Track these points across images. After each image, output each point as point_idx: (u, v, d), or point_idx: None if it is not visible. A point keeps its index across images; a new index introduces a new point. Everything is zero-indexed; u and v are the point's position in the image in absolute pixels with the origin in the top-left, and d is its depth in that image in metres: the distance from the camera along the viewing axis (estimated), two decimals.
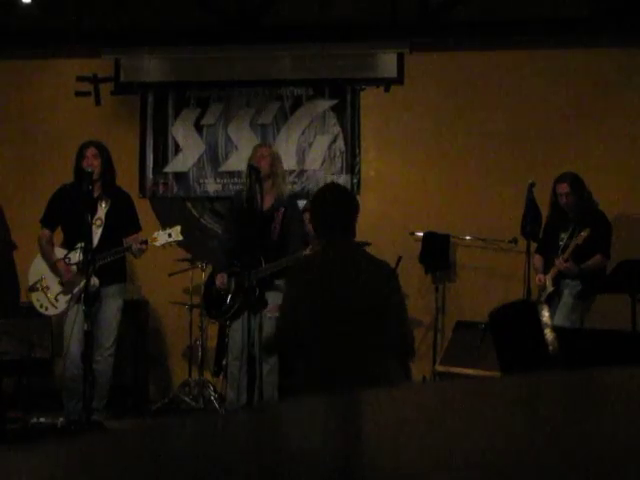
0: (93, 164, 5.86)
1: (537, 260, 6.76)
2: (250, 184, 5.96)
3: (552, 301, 6.50)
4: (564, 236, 6.59)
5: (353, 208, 4.27)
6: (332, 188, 4.55)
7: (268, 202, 6.04)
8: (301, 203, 8.10)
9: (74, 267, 5.87)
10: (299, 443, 0.94)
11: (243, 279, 5.89)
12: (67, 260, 5.91)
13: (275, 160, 6.20)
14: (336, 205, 4.21)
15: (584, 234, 6.30)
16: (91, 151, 5.95)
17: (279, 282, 5.76)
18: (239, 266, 5.97)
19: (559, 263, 6.45)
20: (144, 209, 7.55)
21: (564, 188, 6.54)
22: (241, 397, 5.98)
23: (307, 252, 5.69)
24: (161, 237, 5.78)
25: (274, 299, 5.60)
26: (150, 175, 8.22)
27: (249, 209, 5.87)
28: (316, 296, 4.01)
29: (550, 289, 6.53)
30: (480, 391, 1.29)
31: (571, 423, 1.02)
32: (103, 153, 6.00)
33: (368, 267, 4.13)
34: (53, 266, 5.97)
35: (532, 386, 1.31)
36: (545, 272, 6.64)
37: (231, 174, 8.11)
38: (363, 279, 4.04)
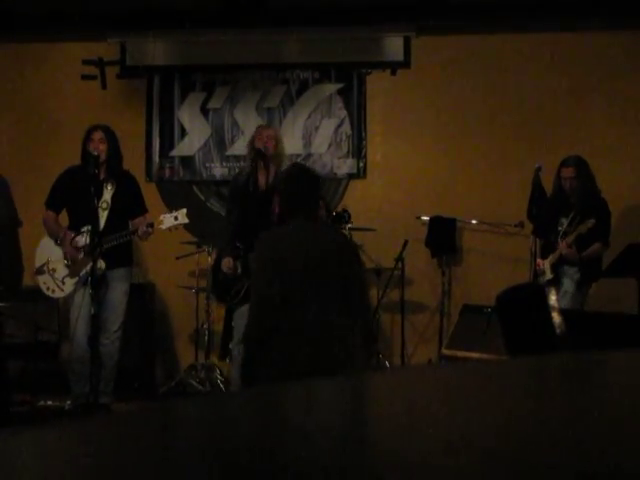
0: (99, 148, 5.86)
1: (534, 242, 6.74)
2: (255, 166, 5.97)
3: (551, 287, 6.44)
4: (564, 221, 6.54)
5: (317, 188, 4.49)
6: (301, 169, 4.72)
7: (267, 183, 6.04)
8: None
9: (81, 250, 5.87)
10: (304, 425, 0.94)
11: (249, 261, 5.89)
12: (74, 243, 5.91)
13: (280, 141, 6.26)
14: (305, 186, 4.36)
15: (589, 225, 6.26)
16: (98, 135, 5.94)
17: None
18: (243, 249, 5.97)
19: (562, 247, 6.41)
20: (150, 193, 7.56)
21: (570, 172, 6.48)
22: None
23: None
24: (167, 220, 5.77)
25: None
26: (156, 159, 8.22)
27: (252, 191, 5.88)
28: (288, 272, 4.10)
29: (549, 276, 6.49)
30: (487, 374, 1.28)
31: (578, 405, 1.01)
32: (110, 137, 5.98)
33: (333, 242, 4.33)
34: (62, 239, 5.94)
35: (539, 369, 1.31)
36: (543, 256, 6.61)
37: (237, 158, 8.09)
38: (329, 253, 4.20)
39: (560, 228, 6.54)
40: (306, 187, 4.37)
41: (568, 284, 6.45)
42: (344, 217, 6.17)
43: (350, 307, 4.14)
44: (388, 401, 1.09)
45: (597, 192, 6.57)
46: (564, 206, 6.55)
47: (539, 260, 6.56)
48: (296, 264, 4.11)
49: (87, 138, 5.95)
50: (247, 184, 6.03)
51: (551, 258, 6.49)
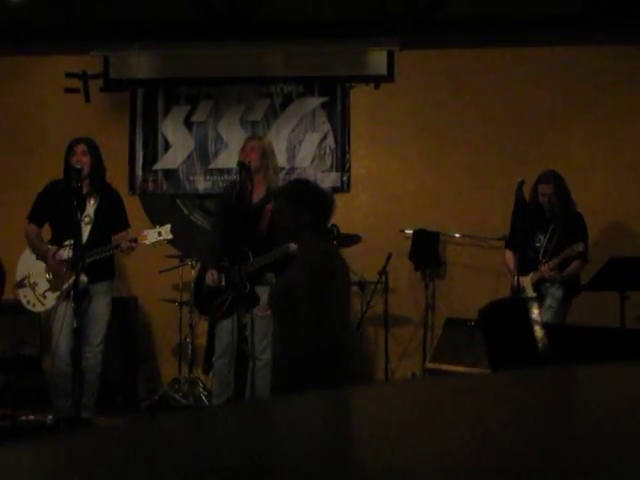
0: (82, 161, 5.84)
1: (509, 257, 6.70)
2: (240, 179, 5.94)
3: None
4: (541, 237, 6.53)
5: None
6: (316, 187, 4.75)
7: (258, 195, 5.98)
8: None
9: (64, 264, 5.85)
10: (288, 440, 0.94)
11: (233, 274, 5.86)
12: (57, 257, 5.88)
13: (266, 153, 6.06)
14: (323, 204, 4.53)
15: (579, 248, 6.26)
16: (80, 148, 5.92)
17: (270, 275, 5.74)
18: (228, 261, 5.94)
19: (544, 271, 6.39)
20: (134, 206, 7.54)
21: (549, 189, 6.46)
22: (228, 390, 5.95)
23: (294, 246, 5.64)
24: (151, 236, 5.75)
25: (265, 295, 5.58)
26: (140, 172, 8.20)
27: (238, 204, 5.83)
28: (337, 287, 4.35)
29: (532, 294, 6.43)
30: (470, 388, 1.29)
31: (561, 420, 1.02)
32: (93, 150, 5.97)
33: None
34: (44, 254, 5.92)
35: (522, 383, 1.32)
36: (521, 272, 6.55)
37: (221, 171, 8.10)
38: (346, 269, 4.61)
39: (538, 244, 6.53)
40: (326, 205, 4.53)
41: (550, 301, 6.43)
42: (332, 231, 6.19)
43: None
44: (372, 416, 1.09)
45: (574, 207, 6.58)
46: (541, 221, 6.54)
47: (518, 278, 6.52)
48: (340, 280, 4.39)
49: (69, 151, 5.93)
50: (237, 197, 5.96)
51: (532, 276, 6.47)
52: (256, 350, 5.68)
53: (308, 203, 4.40)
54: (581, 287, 6.51)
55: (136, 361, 7.74)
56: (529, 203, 6.56)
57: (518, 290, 6.48)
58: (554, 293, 6.44)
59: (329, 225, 6.25)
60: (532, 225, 6.53)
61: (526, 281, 6.47)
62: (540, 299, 6.40)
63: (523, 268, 6.51)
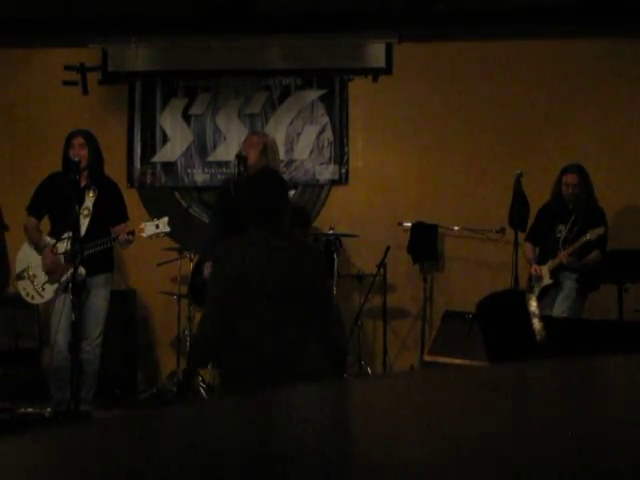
0: (80, 154, 5.84)
1: (528, 249, 6.78)
2: (238, 172, 5.94)
3: (547, 293, 6.52)
4: (562, 228, 6.56)
5: (284, 192, 4.15)
6: (266, 176, 4.38)
7: None
8: (289, 193, 8.10)
9: (61, 257, 5.85)
10: (286, 432, 0.94)
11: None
12: (54, 250, 5.89)
13: (267, 149, 6.10)
14: (270, 194, 4.03)
15: (600, 232, 6.27)
16: (78, 140, 5.92)
17: None
18: None
19: (563, 256, 6.41)
20: (132, 199, 7.52)
21: (574, 179, 6.50)
22: None
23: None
24: (148, 228, 5.75)
25: None
26: (138, 165, 8.19)
27: (236, 197, 5.83)
28: (243, 288, 3.80)
29: (548, 281, 6.51)
30: (468, 380, 1.29)
31: (558, 412, 1.02)
32: (90, 142, 5.97)
33: (294, 258, 3.97)
34: (42, 250, 5.93)
35: (519, 375, 1.32)
36: (540, 262, 6.63)
37: (219, 164, 8.09)
38: (289, 269, 3.90)
39: (558, 235, 6.56)
40: (271, 195, 4.02)
41: (570, 290, 6.45)
42: (335, 245, 6.22)
43: (311, 324, 3.87)
44: (369, 408, 1.09)
45: (597, 201, 6.60)
46: (562, 213, 6.57)
47: (535, 266, 6.59)
48: (254, 281, 3.80)
49: (67, 144, 5.94)
50: (234, 190, 5.96)
51: (550, 264, 6.51)
52: None
53: (255, 195, 4.02)
54: (599, 281, 6.51)
55: (134, 354, 7.74)
56: (552, 195, 6.62)
57: (536, 279, 6.53)
58: (571, 285, 6.46)
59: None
60: (553, 217, 6.58)
61: (544, 270, 6.52)
62: (557, 286, 6.45)
63: (542, 258, 6.58)
